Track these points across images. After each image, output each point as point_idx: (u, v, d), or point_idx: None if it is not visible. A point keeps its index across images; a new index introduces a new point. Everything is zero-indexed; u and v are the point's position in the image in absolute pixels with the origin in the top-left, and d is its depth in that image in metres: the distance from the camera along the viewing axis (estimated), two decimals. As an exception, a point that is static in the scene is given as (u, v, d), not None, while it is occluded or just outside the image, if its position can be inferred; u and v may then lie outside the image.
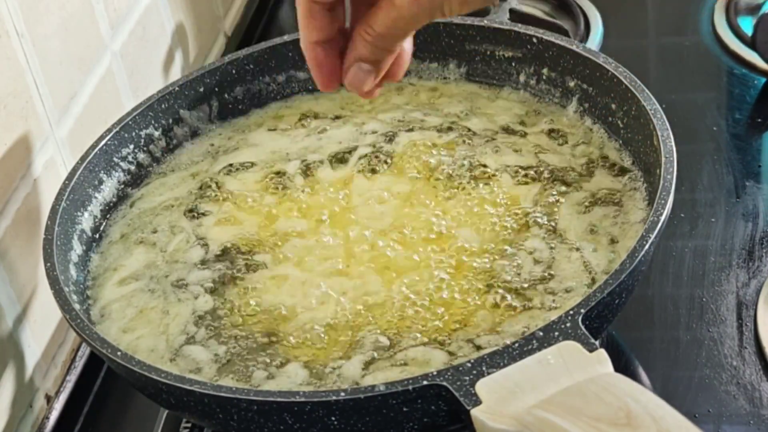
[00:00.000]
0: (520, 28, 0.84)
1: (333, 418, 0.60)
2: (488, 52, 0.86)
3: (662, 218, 0.66)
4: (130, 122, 0.82)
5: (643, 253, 0.64)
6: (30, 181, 0.79)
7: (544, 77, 0.83)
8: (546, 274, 0.70)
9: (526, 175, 0.78)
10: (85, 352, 0.83)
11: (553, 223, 0.73)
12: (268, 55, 0.87)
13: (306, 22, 0.62)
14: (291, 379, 0.66)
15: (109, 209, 0.80)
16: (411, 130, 0.83)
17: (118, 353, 0.63)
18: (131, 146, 0.82)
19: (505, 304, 0.68)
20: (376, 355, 0.66)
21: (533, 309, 0.68)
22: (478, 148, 0.80)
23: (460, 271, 0.71)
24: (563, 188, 0.76)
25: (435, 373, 0.58)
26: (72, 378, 0.81)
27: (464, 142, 0.81)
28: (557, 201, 0.75)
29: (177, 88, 0.84)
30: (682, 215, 0.86)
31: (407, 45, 0.64)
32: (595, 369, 0.57)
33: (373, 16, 0.61)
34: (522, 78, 0.85)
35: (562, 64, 0.82)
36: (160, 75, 1.00)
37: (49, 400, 0.80)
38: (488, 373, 0.58)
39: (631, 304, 0.71)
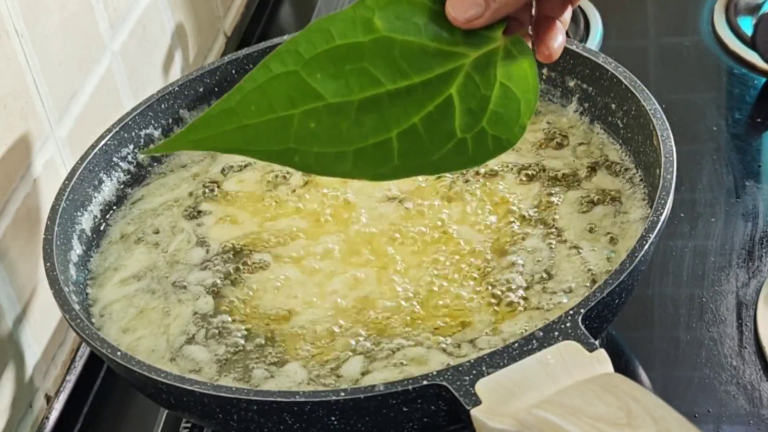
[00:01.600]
0: (519, 28, 0.84)
1: (333, 418, 0.60)
2: (488, 52, 0.86)
3: (662, 218, 0.66)
4: (130, 122, 0.82)
5: (642, 252, 0.64)
6: (30, 181, 0.79)
7: (544, 77, 0.83)
8: (546, 274, 0.70)
9: (526, 174, 0.78)
10: (85, 352, 0.83)
11: (552, 223, 0.74)
12: (267, 55, 0.87)
13: None
14: (290, 379, 0.66)
15: (109, 209, 0.80)
16: (411, 130, 0.83)
17: (118, 353, 0.63)
18: (131, 146, 0.82)
19: (505, 304, 0.68)
20: (375, 355, 0.66)
21: (533, 309, 0.68)
22: (478, 147, 0.80)
23: (459, 271, 0.71)
24: (563, 188, 0.76)
25: (435, 373, 0.58)
26: (72, 378, 0.81)
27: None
28: (557, 200, 0.75)
29: (177, 88, 0.84)
30: (682, 215, 0.86)
31: (563, 18, 0.60)
32: (595, 369, 0.57)
33: None
34: (522, 78, 0.85)
35: (561, 64, 0.82)
36: (160, 75, 1.00)
37: (49, 400, 0.80)
38: (488, 373, 0.58)
39: (631, 304, 0.71)
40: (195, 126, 0.57)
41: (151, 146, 0.83)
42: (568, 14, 0.61)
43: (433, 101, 0.59)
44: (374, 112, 0.58)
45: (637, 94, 0.75)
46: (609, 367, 0.57)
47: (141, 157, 0.83)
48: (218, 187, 0.81)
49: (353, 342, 0.67)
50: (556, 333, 0.59)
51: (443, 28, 0.59)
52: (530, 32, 0.61)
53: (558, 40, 0.61)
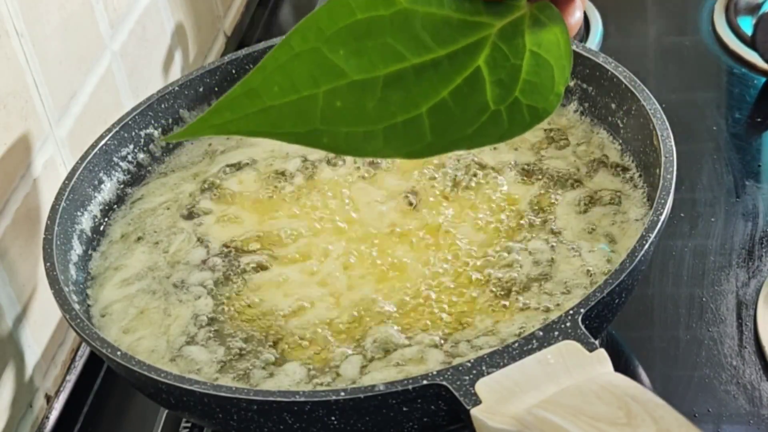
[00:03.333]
0: (519, 27, 0.84)
1: (333, 418, 0.60)
2: (488, 52, 0.86)
3: (662, 218, 0.66)
4: (130, 122, 0.82)
5: (642, 252, 0.64)
6: (30, 181, 0.79)
7: (544, 77, 0.83)
8: (545, 275, 0.70)
9: (526, 174, 0.78)
10: (85, 352, 0.83)
11: (552, 223, 0.73)
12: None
13: None
14: (290, 378, 0.66)
15: (109, 209, 0.80)
16: (411, 129, 0.83)
17: (118, 353, 0.63)
18: (131, 146, 0.82)
19: (504, 304, 0.68)
20: (374, 354, 0.66)
21: (531, 309, 0.68)
22: (478, 147, 0.80)
23: (458, 271, 0.71)
24: (563, 188, 0.76)
25: (435, 372, 0.58)
26: (72, 378, 0.81)
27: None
28: (556, 200, 0.75)
29: (177, 88, 0.84)
30: (682, 215, 0.86)
31: None
32: (594, 368, 0.57)
33: None
34: (522, 78, 0.85)
35: (561, 64, 0.82)
36: (159, 75, 1.00)
37: (49, 399, 0.80)
38: (488, 373, 0.58)
39: (631, 304, 0.71)
40: (218, 109, 0.55)
41: (152, 146, 0.83)
42: None
43: (461, 74, 0.57)
44: (400, 89, 0.57)
45: (637, 94, 0.75)
46: (609, 366, 0.57)
47: (141, 156, 0.83)
48: (218, 186, 0.81)
49: (352, 341, 0.67)
50: (556, 333, 0.59)
51: None
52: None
53: (576, 16, 0.59)
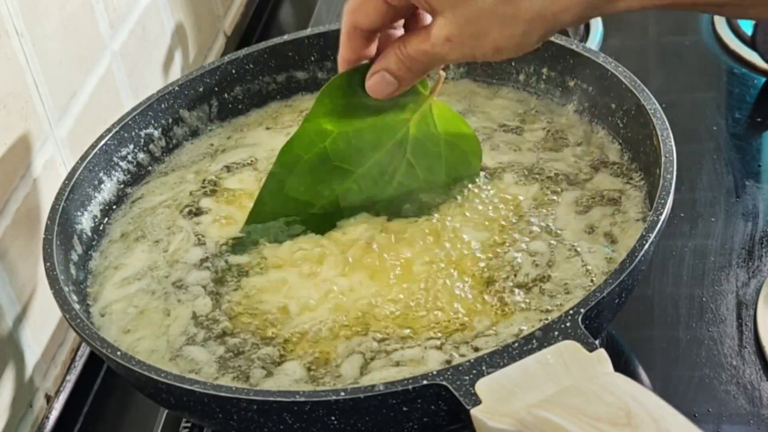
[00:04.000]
0: (519, 27, 0.84)
1: (333, 418, 0.60)
2: (488, 52, 0.86)
3: (662, 218, 0.66)
4: (130, 122, 0.82)
5: (642, 252, 0.64)
6: (30, 181, 0.79)
7: (544, 77, 0.83)
8: (545, 275, 0.70)
9: (525, 174, 0.78)
10: (85, 351, 0.83)
11: (552, 223, 0.73)
12: (268, 54, 0.87)
13: (345, 41, 0.68)
14: (289, 377, 0.66)
15: (109, 209, 0.80)
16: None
17: (118, 353, 0.63)
18: (131, 146, 0.82)
19: (503, 305, 0.68)
20: (373, 355, 0.66)
21: (531, 310, 0.68)
22: (478, 147, 0.80)
23: (458, 272, 0.71)
24: (563, 188, 0.76)
25: (435, 372, 0.58)
26: (72, 378, 0.81)
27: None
28: (556, 201, 0.75)
29: (177, 88, 0.84)
30: (682, 215, 0.86)
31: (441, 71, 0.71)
32: (595, 369, 0.57)
33: (409, 37, 0.66)
34: (522, 77, 0.85)
35: (561, 64, 0.82)
36: (159, 75, 1.00)
37: (49, 399, 0.80)
38: (488, 373, 0.58)
39: (631, 304, 0.71)
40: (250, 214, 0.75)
41: (152, 146, 0.83)
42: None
43: (398, 170, 0.73)
44: (354, 198, 0.73)
45: (637, 94, 0.75)
46: (609, 367, 0.57)
47: (141, 156, 0.83)
48: (218, 186, 0.81)
49: (352, 341, 0.67)
50: (556, 333, 0.59)
51: (378, 99, 0.70)
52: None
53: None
